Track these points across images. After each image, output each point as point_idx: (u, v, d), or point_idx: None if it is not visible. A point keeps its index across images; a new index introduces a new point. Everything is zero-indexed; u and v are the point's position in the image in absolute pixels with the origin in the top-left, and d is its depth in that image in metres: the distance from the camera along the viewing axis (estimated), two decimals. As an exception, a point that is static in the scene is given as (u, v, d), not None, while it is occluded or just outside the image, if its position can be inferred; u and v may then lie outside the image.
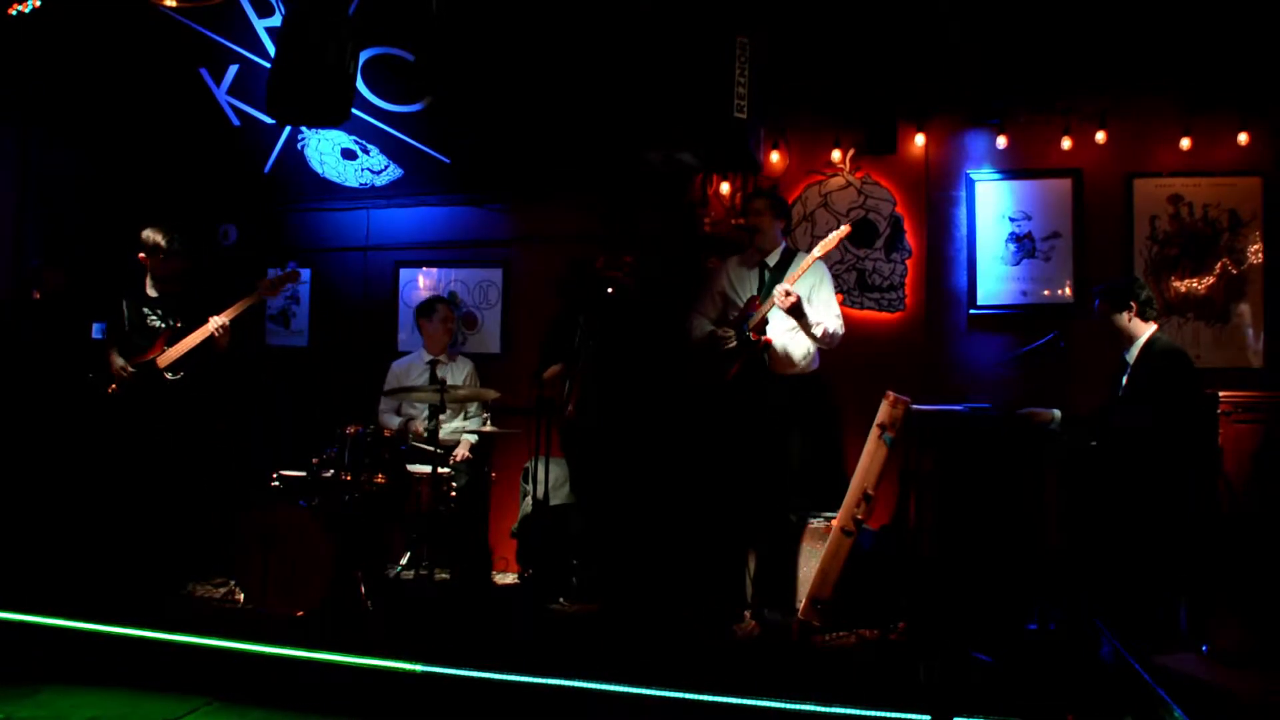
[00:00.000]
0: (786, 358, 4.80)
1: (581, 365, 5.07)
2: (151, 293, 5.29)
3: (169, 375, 5.15)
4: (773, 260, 4.93)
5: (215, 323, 5.11)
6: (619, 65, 5.17)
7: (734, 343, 4.79)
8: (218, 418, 5.54)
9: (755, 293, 4.88)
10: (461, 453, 5.55)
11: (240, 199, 6.67)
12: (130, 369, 5.11)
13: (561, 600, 5.21)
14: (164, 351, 5.14)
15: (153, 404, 5.13)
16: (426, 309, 5.83)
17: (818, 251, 4.71)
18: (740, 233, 5.55)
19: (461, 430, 5.70)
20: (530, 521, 5.33)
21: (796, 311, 4.64)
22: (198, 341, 5.13)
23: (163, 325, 5.24)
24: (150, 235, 5.21)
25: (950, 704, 3.43)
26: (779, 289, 4.61)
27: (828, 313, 4.82)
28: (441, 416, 5.09)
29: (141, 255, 5.24)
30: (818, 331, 4.74)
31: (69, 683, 4.28)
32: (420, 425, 5.61)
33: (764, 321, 4.77)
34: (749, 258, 5.03)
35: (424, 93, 5.94)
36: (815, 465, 4.90)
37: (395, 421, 5.71)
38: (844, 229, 4.79)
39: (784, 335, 4.80)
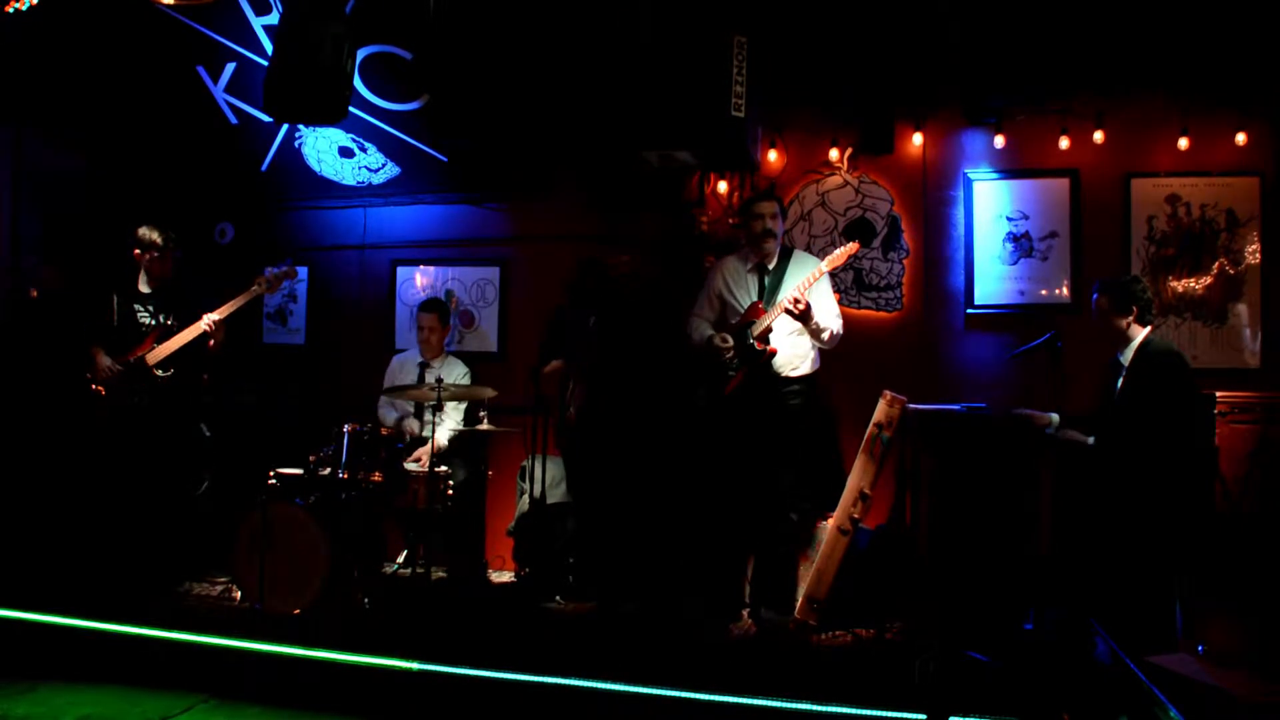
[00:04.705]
0: (789, 361, 4.78)
1: (588, 367, 5.06)
2: (144, 289, 5.29)
3: (159, 372, 5.13)
4: (771, 262, 4.89)
5: (208, 319, 5.11)
6: (617, 64, 5.17)
7: (733, 351, 4.76)
8: (208, 416, 5.52)
9: (756, 297, 4.83)
10: (437, 444, 5.29)
11: (237, 197, 6.66)
12: (117, 367, 5.09)
13: (558, 599, 5.21)
14: (154, 349, 5.13)
15: (142, 401, 5.12)
16: (418, 313, 5.83)
17: (825, 266, 4.65)
18: (738, 233, 5.55)
19: (454, 431, 5.64)
20: (527, 520, 5.33)
21: (806, 317, 4.61)
22: (190, 339, 5.12)
23: (153, 322, 5.22)
24: (146, 233, 5.22)
25: (946, 703, 3.43)
26: (789, 296, 4.57)
27: (829, 313, 4.81)
28: (435, 417, 5.07)
29: (136, 251, 5.24)
30: (825, 335, 4.73)
31: (66, 680, 4.29)
32: (412, 425, 5.60)
33: (769, 330, 4.71)
34: (745, 258, 4.98)
35: (422, 91, 5.94)
36: (813, 465, 4.90)
37: (391, 417, 5.71)
38: (852, 245, 4.71)
39: (786, 339, 4.77)
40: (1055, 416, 4.50)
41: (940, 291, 5.69)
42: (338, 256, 6.64)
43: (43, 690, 4.19)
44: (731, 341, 4.76)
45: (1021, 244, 5.58)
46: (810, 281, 4.65)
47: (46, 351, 5.61)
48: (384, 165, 6.25)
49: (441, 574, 5.23)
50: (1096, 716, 3.45)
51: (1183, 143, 5.33)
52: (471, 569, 5.32)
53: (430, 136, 6.04)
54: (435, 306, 5.77)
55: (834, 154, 5.73)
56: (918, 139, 5.67)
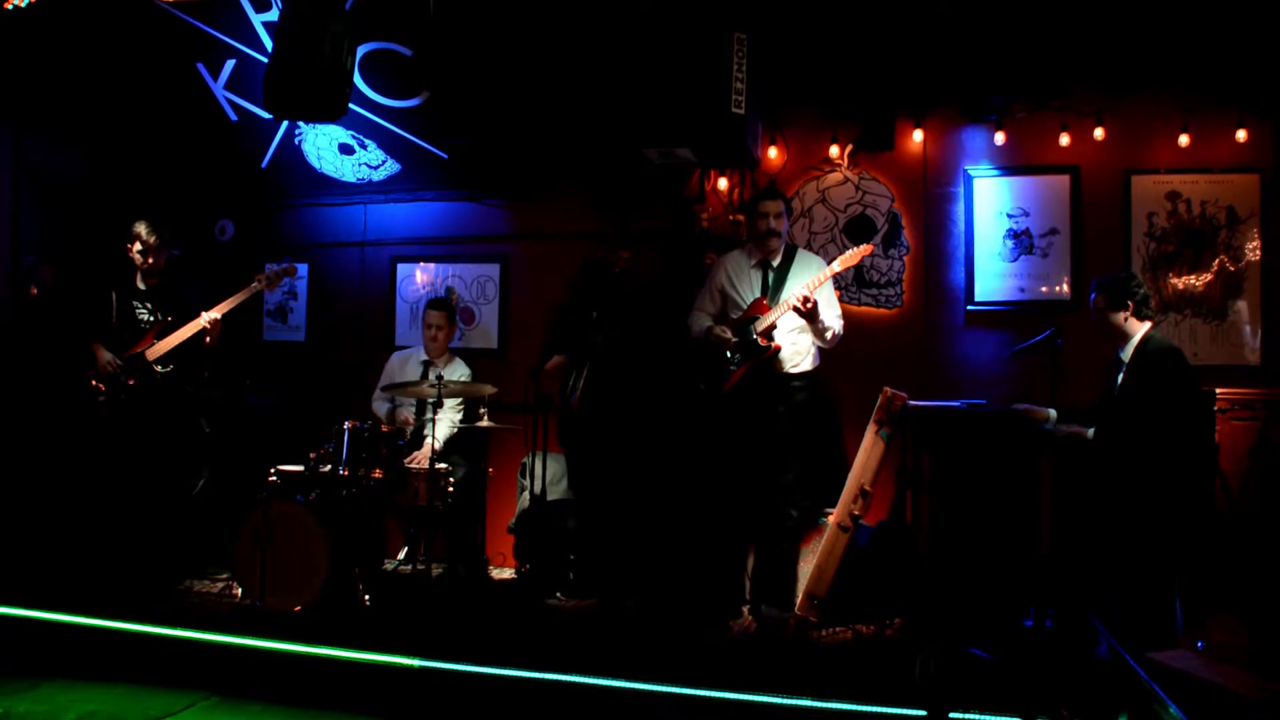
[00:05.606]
0: (790, 359, 4.77)
1: (592, 360, 5.06)
2: (141, 285, 5.29)
3: (159, 368, 5.14)
4: (776, 259, 4.88)
5: (206, 318, 5.11)
6: (617, 61, 5.17)
7: (733, 343, 4.76)
8: (208, 413, 5.52)
9: (760, 294, 4.82)
10: (426, 452, 5.26)
11: (237, 194, 6.67)
12: (118, 362, 5.10)
13: (559, 595, 5.22)
14: (153, 345, 5.14)
15: (143, 397, 5.12)
16: (426, 310, 5.80)
17: (837, 266, 4.67)
18: (739, 230, 5.55)
19: (454, 428, 5.63)
20: (528, 517, 5.34)
21: (813, 316, 4.61)
22: (189, 335, 5.13)
23: (151, 319, 5.23)
24: (137, 227, 5.23)
25: (946, 700, 3.44)
26: (798, 294, 4.56)
27: (831, 313, 4.80)
28: (435, 415, 5.07)
29: (127, 245, 5.23)
30: (828, 335, 4.73)
31: (68, 677, 4.30)
32: (409, 415, 5.58)
33: (772, 326, 4.70)
34: (749, 253, 4.95)
35: (422, 88, 5.92)
36: (814, 462, 4.90)
37: (384, 409, 5.70)
38: (866, 247, 4.73)
39: (787, 336, 4.76)
40: (1053, 413, 4.50)
41: (940, 288, 5.69)
42: (338, 253, 6.64)
43: (45, 688, 4.20)
44: (730, 333, 4.76)
45: (1022, 241, 5.58)
46: (819, 281, 4.66)
47: (47, 350, 5.61)
48: (384, 162, 6.25)
49: (442, 570, 5.23)
50: (1097, 713, 3.45)
51: (1183, 139, 5.33)
52: (472, 566, 5.33)
53: (430, 133, 6.03)
54: (444, 305, 5.76)
55: (834, 151, 5.73)
56: (918, 136, 5.67)
